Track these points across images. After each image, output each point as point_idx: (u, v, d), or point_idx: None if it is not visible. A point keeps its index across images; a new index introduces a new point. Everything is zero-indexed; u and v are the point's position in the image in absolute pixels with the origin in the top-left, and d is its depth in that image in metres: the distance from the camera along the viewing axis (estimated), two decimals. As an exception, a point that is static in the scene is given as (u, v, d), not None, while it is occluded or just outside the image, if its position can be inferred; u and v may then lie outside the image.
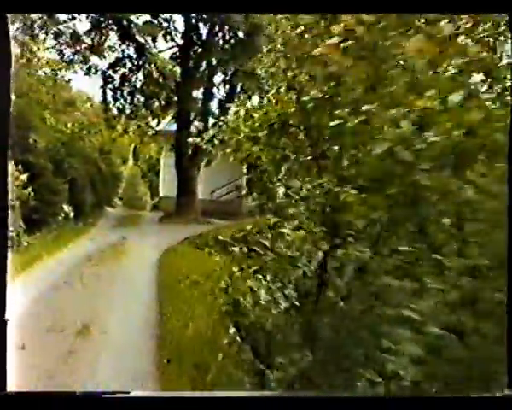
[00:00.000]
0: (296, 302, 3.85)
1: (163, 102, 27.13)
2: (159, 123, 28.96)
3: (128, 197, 41.90)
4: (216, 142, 6.06)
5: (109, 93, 26.40)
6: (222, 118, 5.75)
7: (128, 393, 2.29)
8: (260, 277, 4.60)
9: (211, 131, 6.21)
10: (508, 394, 2.27)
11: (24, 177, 14.67)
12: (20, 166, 14.71)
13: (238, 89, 24.64)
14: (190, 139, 23.13)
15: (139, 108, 27.06)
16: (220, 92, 25.58)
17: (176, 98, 26.05)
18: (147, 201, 41.44)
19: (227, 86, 25.17)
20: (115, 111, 27.08)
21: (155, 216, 25.14)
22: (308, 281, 3.88)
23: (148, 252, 14.30)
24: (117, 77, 26.36)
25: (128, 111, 27.06)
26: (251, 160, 5.51)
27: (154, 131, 28.33)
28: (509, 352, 2.29)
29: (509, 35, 3.04)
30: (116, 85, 26.38)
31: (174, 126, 26.96)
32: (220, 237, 8.52)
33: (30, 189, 15.16)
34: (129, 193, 42.76)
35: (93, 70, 26.16)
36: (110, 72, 26.25)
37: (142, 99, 26.90)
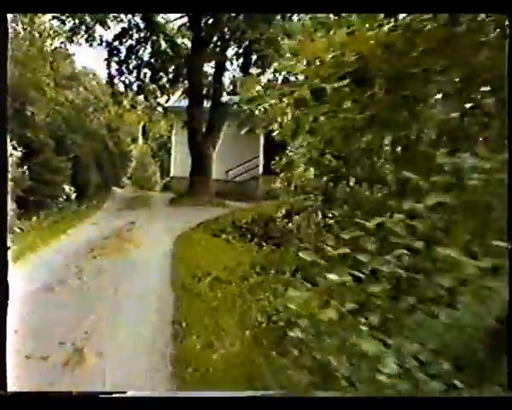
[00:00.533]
0: (457, 382, 1.91)
1: (171, 77, 25.06)
2: (168, 99, 26.94)
3: (137, 177, 40.80)
4: (268, 99, 4.17)
5: (114, 66, 24.35)
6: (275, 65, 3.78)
7: (125, 393, 2.21)
8: (363, 320, 2.58)
9: (258, 87, 4.21)
10: (508, 394, 2.26)
11: (18, 153, 12.76)
12: (14, 142, 12.81)
13: (253, 60, 22.58)
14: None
15: (146, 83, 25.03)
16: (233, 66, 23.56)
17: (186, 72, 24.04)
18: (157, 181, 39.79)
19: (241, 59, 23.09)
20: (122, 87, 25.09)
21: (166, 197, 23.17)
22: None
23: (158, 239, 12.42)
24: (123, 49, 24.35)
25: (135, 86, 25.06)
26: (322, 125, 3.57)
27: (163, 108, 26.32)
28: (508, 352, 2.23)
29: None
30: (122, 58, 24.32)
31: (185, 102, 25.13)
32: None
33: (26, 167, 13.29)
34: (138, 172, 41.72)
35: (97, 41, 24.01)
36: (116, 43, 24.22)
37: (149, 73, 24.84)
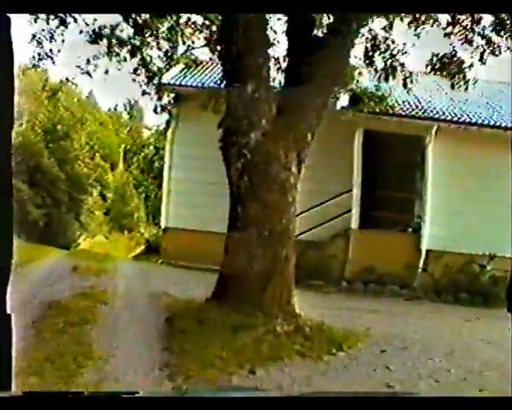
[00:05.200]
0: None
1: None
2: (161, 73, 12.29)
3: (116, 213, 28.89)
4: None
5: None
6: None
7: (132, 393, 2.11)
8: None
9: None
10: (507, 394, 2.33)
11: None
12: None
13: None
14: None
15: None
16: None
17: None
18: (141, 218, 26.60)
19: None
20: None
21: (149, 293, 8.34)
22: None
23: None
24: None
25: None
26: None
27: (155, 81, 11.58)
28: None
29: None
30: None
31: (191, 80, 12.50)
32: None
33: None
34: (116, 208, 29.42)
35: None
36: None
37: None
